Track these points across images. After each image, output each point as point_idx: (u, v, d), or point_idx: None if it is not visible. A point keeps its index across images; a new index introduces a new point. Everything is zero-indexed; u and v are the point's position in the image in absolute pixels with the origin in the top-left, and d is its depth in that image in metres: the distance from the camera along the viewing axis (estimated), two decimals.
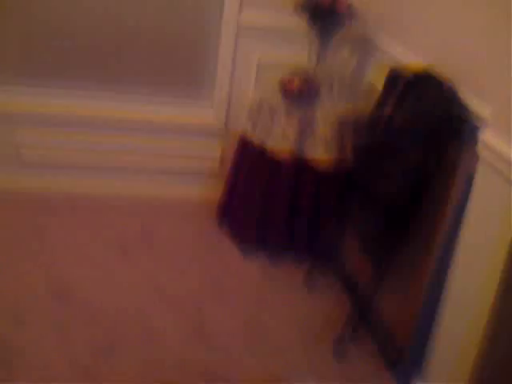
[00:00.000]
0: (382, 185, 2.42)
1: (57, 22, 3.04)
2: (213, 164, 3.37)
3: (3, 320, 2.46)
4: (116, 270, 2.85)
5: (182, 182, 3.39)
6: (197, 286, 2.83)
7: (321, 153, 2.83)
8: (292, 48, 3.06)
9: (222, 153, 3.34)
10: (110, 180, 3.34)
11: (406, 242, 2.38)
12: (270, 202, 2.95)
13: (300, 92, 2.86)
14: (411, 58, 2.64)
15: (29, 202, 3.23)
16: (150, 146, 3.29)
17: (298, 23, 2.89)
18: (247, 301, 2.78)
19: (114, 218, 3.23)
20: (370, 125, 2.71)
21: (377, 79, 2.91)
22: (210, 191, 3.38)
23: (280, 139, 2.84)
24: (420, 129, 2.35)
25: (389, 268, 2.46)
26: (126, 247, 3.01)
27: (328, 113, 2.84)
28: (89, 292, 2.68)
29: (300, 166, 2.87)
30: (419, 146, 2.29)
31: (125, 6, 3.04)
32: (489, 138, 1.97)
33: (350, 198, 2.71)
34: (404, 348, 2.41)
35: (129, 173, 3.34)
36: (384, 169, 2.45)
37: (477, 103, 2.14)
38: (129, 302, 2.65)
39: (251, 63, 3.16)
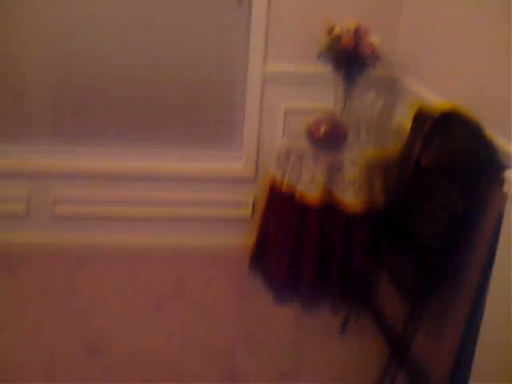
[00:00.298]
0: (420, 226, 2.38)
1: (86, 83, 3.12)
2: (245, 211, 3.37)
3: (36, 373, 2.48)
4: (150, 322, 2.84)
5: (215, 229, 3.40)
6: (231, 336, 2.79)
7: (350, 196, 2.80)
8: (318, 93, 3.06)
9: (254, 200, 3.34)
10: (144, 231, 3.37)
11: (444, 281, 2.32)
12: (301, 246, 2.92)
13: (327, 137, 2.86)
14: (437, 97, 2.62)
15: (62, 256, 3.28)
16: (183, 196, 3.32)
17: (322, 68, 2.91)
18: (282, 350, 2.73)
19: (148, 268, 3.24)
20: (400, 165, 2.68)
21: (404, 120, 2.89)
22: (243, 238, 3.37)
23: (309, 184, 2.82)
24: (449, 168, 2.31)
25: (426, 308, 2.40)
26: (160, 298, 3.01)
27: (356, 156, 2.82)
28: (122, 345, 2.68)
29: (330, 210, 2.84)
30: (451, 186, 2.25)
31: (152, 65, 3.12)
32: None
33: (383, 240, 2.66)
34: None
35: (162, 223, 3.37)
36: (420, 210, 2.41)
37: (503, 141, 2.09)
38: (162, 354, 2.64)
39: (278, 111, 3.18)
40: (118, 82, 3.14)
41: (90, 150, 3.24)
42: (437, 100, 2.60)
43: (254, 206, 3.35)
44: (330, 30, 2.87)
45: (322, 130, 2.87)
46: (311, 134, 2.90)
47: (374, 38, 2.82)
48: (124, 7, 3.02)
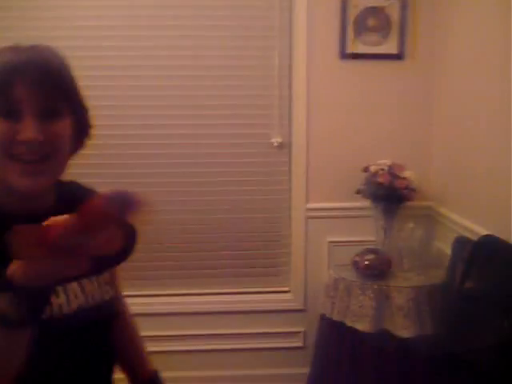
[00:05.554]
0: (474, 356, 2.42)
1: None
2: (297, 343, 3.46)
3: None
4: None
5: (267, 361, 3.48)
6: None
7: (400, 324, 2.89)
8: (359, 225, 3.25)
9: (305, 330, 3.44)
10: (197, 365, 3.46)
11: None
12: (355, 379, 2.97)
13: (372, 266, 3.00)
14: (475, 225, 2.77)
15: None
16: (234, 331, 3.45)
17: (361, 202, 3.11)
18: None
19: None
20: (444, 291, 2.79)
21: (444, 246, 3.03)
22: (297, 368, 3.41)
23: (358, 314, 2.93)
24: (498, 295, 2.38)
25: None
26: None
27: (401, 283, 2.95)
28: None
29: (380, 339, 2.92)
30: (502, 314, 2.32)
31: (201, 211, 3.37)
32: None
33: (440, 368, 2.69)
34: None
35: (215, 356, 3.47)
36: (471, 339, 2.47)
37: None
38: None
39: (322, 244, 3.36)
40: (170, 231, 3.37)
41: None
42: (474, 227, 2.75)
43: (305, 337, 3.45)
44: (366, 169, 3.10)
45: (366, 260, 3.02)
46: (356, 265, 3.04)
47: (409, 173, 3.03)
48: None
